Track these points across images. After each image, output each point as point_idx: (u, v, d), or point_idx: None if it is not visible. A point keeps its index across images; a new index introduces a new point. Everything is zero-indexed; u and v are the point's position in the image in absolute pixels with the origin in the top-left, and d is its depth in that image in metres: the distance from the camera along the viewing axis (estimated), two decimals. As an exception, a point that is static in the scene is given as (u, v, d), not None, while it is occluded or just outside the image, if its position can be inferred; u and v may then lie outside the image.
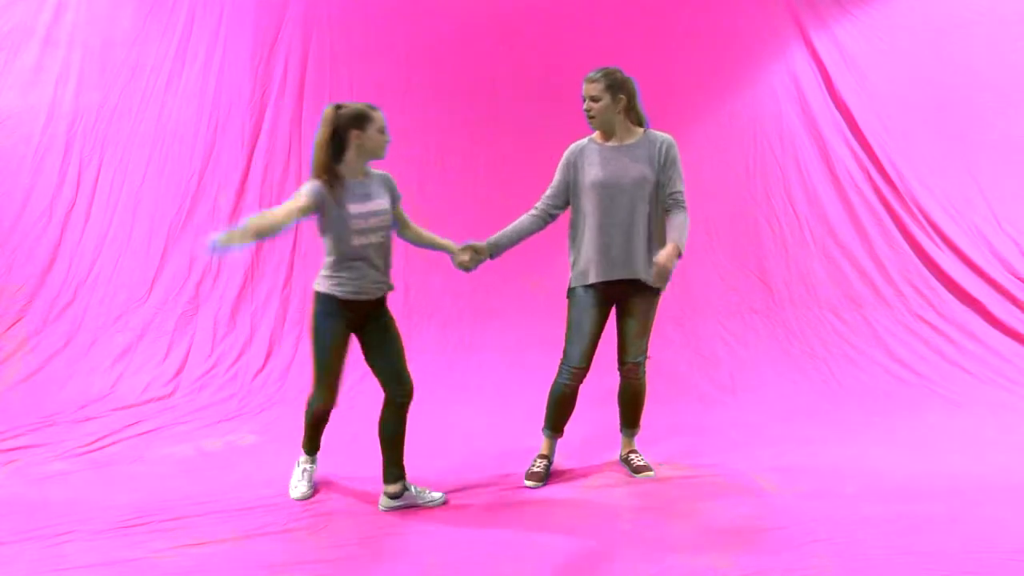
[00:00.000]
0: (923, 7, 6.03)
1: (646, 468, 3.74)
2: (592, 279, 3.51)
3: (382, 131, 3.26)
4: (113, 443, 4.35)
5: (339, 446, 4.30)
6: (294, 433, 4.56)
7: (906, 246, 5.79)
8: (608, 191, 3.47)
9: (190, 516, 3.27)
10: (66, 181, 5.84)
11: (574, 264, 3.60)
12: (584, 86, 3.52)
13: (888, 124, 5.94)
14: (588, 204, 3.52)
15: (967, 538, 2.93)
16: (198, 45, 6.07)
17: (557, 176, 3.64)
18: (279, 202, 6.00)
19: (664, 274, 3.28)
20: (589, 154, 3.57)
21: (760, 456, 3.96)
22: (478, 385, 5.24)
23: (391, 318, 3.39)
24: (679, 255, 3.36)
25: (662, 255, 3.29)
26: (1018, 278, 5.61)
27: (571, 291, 3.61)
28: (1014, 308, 5.52)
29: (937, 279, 5.69)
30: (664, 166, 3.51)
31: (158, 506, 3.38)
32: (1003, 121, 5.90)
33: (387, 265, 3.35)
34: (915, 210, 5.81)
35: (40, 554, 2.92)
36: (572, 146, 3.64)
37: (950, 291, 5.64)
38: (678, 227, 3.44)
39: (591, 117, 3.52)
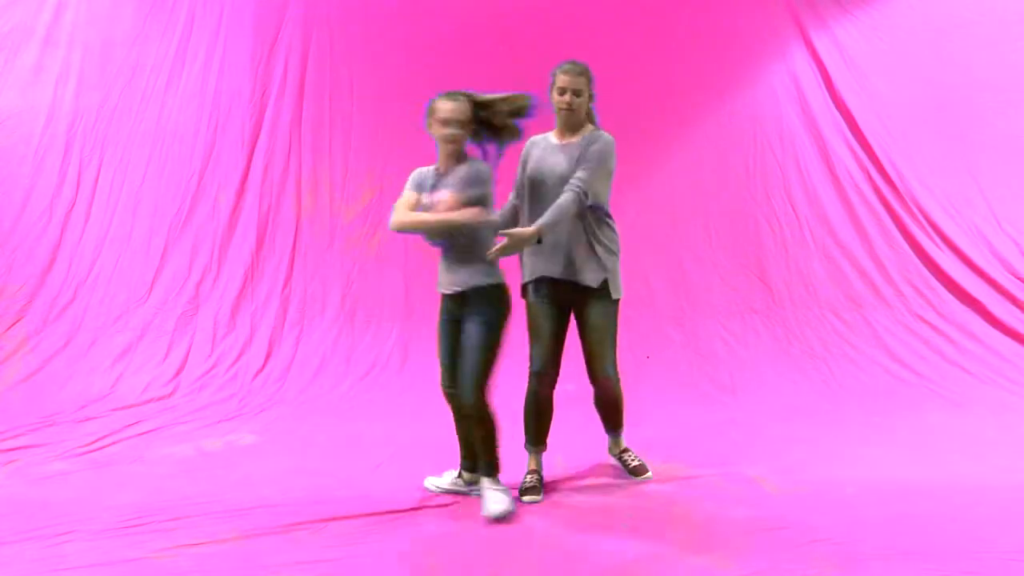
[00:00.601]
0: (923, 7, 6.03)
1: (643, 468, 3.70)
2: (532, 275, 3.46)
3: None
4: (113, 443, 4.35)
5: (339, 446, 4.31)
6: (294, 433, 4.57)
7: (906, 246, 5.79)
8: (538, 187, 3.42)
9: (190, 516, 3.26)
10: (66, 181, 5.85)
11: (521, 260, 3.53)
12: (565, 77, 3.41)
13: (888, 124, 5.93)
14: (526, 199, 3.48)
15: (967, 538, 2.93)
16: (198, 45, 6.07)
17: (518, 170, 3.59)
18: (279, 202, 6.05)
19: (503, 249, 3.13)
20: (539, 148, 3.52)
21: (760, 456, 3.96)
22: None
23: (473, 318, 3.31)
24: (536, 239, 3.20)
25: (516, 230, 3.19)
26: (1018, 278, 5.61)
27: (523, 291, 3.53)
28: (1014, 308, 5.51)
29: (937, 279, 5.69)
30: (583, 158, 3.37)
31: (158, 506, 3.37)
32: (1003, 121, 5.90)
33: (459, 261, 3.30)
34: (915, 210, 5.81)
35: (40, 554, 2.92)
36: (530, 139, 3.57)
37: (950, 291, 5.64)
38: (554, 209, 3.25)
39: (571, 110, 3.43)
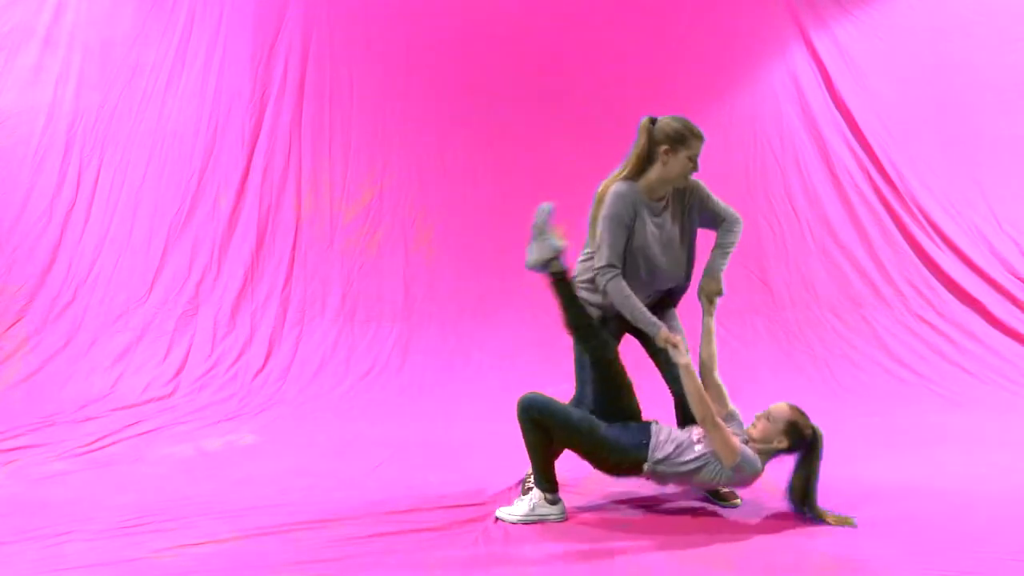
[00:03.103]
0: (923, 7, 6.03)
1: (733, 495, 3.38)
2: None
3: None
4: (113, 443, 4.34)
5: (339, 446, 4.31)
6: (294, 433, 4.58)
7: (906, 246, 5.79)
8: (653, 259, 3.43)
9: (190, 516, 3.26)
10: (66, 181, 5.85)
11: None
12: (702, 146, 3.27)
13: (888, 124, 5.93)
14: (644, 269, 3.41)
15: (967, 538, 2.93)
16: (198, 45, 6.07)
17: (620, 234, 3.27)
18: (279, 202, 6.05)
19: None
20: (647, 213, 3.36)
21: (760, 456, 3.95)
22: (479, 385, 5.24)
23: None
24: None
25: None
26: (1018, 278, 5.61)
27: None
28: (1014, 308, 5.51)
29: (937, 279, 5.69)
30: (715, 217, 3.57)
31: (158, 506, 3.37)
32: (1003, 121, 5.90)
33: None
34: (915, 210, 5.81)
35: (40, 554, 2.92)
36: (625, 194, 3.27)
37: (950, 291, 5.64)
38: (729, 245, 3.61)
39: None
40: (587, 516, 3.26)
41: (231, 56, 6.06)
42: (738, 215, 3.48)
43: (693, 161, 3.24)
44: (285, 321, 5.73)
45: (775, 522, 3.15)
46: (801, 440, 3.12)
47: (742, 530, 3.09)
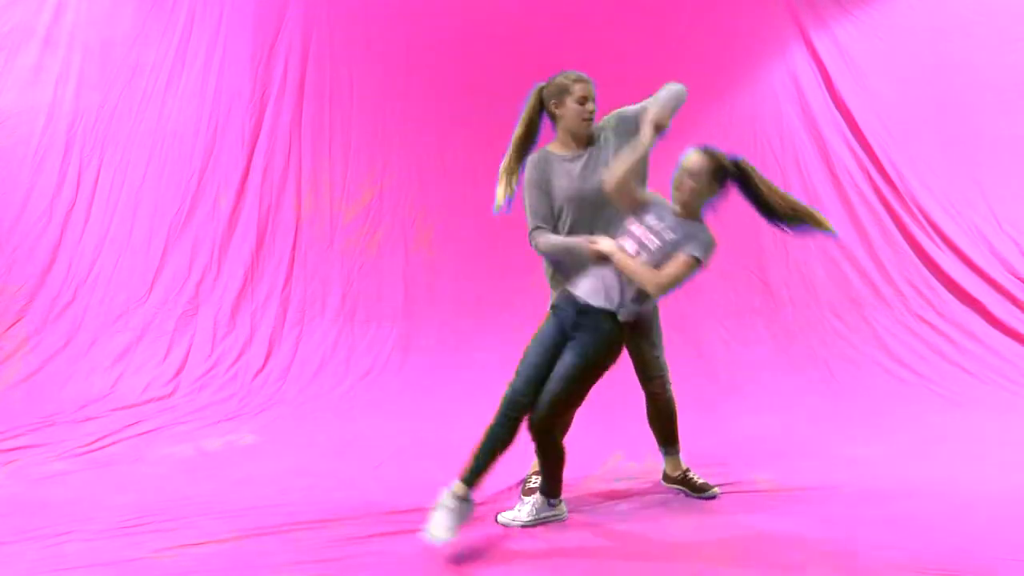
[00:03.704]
0: (923, 7, 6.03)
1: (708, 486, 3.48)
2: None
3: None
4: (113, 443, 4.35)
5: (339, 446, 4.31)
6: (294, 433, 4.58)
7: (906, 246, 5.78)
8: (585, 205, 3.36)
9: (190, 516, 3.27)
10: (66, 181, 5.85)
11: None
12: (588, 87, 3.31)
13: (888, 124, 5.93)
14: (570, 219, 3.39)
15: (967, 538, 2.93)
16: (198, 45, 6.07)
17: (535, 196, 3.39)
18: (279, 202, 6.05)
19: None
20: (560, 166, 3.39)
21: (760, 456, 3.96)
22: (479, 385, 5.23)
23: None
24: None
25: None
26: (1018, 278, 5.61)
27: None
28: (1014, 308, 5.51)
29: (937, 279, 5.68)
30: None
31: (158, 506, 3.38)
32: (1003, 121, 5.89)
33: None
34: (915, 210, 5.81)
35: (40, 554, 2.92)
36: (531, 160, 3.41)
37: (950, 291, 5.64)
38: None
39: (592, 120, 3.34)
40: (587, 515, 3.26)
41: (231, 56, 6.05)
42: (667, 84, 3.42)
43: (584, 102, 3.30)
44: (285, 321, 5.73)
45: (775, 521, 3.15)
46: (726, 176, 3.16)
47: (743, 528, 3.09)
